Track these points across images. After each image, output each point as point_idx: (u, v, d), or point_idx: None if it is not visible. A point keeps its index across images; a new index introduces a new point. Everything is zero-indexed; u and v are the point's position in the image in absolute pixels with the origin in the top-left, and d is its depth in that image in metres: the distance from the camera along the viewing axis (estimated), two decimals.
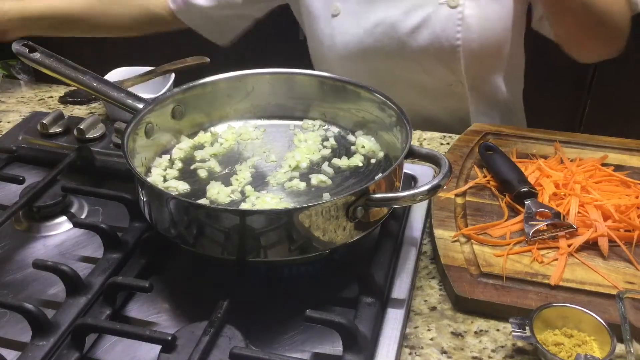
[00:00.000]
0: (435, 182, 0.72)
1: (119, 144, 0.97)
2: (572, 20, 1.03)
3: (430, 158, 0.80)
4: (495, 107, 1.25)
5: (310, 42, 1.28)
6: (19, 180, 0.93)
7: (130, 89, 0.91)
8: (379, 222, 0.79)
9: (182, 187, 0.84)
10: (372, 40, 1.17)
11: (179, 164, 0.89)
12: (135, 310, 0.76)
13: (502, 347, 0.73)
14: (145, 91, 1.06)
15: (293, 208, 0.73)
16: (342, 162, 0.89)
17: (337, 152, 0.92)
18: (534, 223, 0.85)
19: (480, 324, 0.76)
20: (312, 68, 0.96)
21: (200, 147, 0.93)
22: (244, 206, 0.80)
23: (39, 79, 1.70)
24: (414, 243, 0.85)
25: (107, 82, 0.90)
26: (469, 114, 1.23)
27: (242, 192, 0.83)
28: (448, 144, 1.11)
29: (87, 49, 2.35)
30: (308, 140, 0.93)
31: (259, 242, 0.71)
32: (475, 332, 0.75)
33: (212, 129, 0.96)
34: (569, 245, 0.82)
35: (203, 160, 0.90)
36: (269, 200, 0.81)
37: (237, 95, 0.96)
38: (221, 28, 1.32)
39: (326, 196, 0.82)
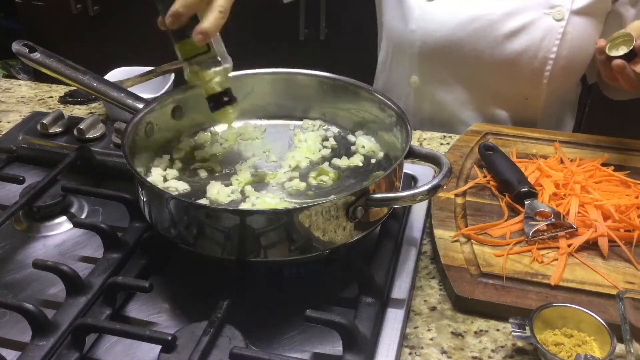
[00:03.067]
0: (435, 182, 0.72)
1: (119, 144, 0.97)
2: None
3: (430, 158, 0.80)
4: (557, 124, 1.25)
5: (391, 22, 1.24)
6: (19, 180, 0.93)
7: (130, 89, 0.91)
8: (379, 222, 0.79)
9: (182, 187, 0.84)
10: (464, 34, 1.14)
11: (179, 164, 0.89)
12: (135, 310, 0.76)
13: (502, 347, 0.73)
14: (145, 91, 1.06)
15: (293, 208, 0.73)
16: (342, 162, 0.89)
17: (337, 152, 0.92)
18: (534, 223, 0.85)
19: (480, 324, 0.76)
20: (311, 68, 0.95)
21: (200, 147, 0.93)
22: (244, 206, 0.80)
23: (39, 79, 1.69)
24: (414, 243, 0.85)
25: (107, 82, 0.90)
26: (535, 125, 1.21)
27: (242, 192, 0.83)
28: (448, 144, 1.11)
29: (87, 49, 2.35)
30: (308, 140, 0.93)
31: (259, 242, 0.71)
32: (475, 332, 0.75)
33: (212, 129, 0.96)
34: (569, 245, 0.82)
35: (203, 160, 0.90)
36: (269, 200, 0.81)
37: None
38: None
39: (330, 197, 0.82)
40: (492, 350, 0.73)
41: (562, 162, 0.99)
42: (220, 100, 0.85)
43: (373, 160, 0.90)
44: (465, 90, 1.20)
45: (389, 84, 1.29)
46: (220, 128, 0.96)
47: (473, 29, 1.14)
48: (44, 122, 1.06)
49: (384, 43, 1.29)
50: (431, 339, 0.74)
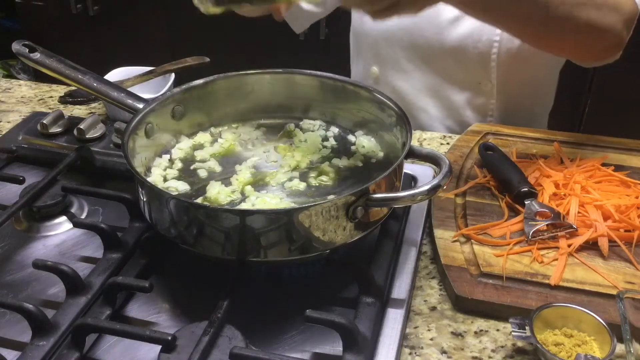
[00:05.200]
0: (435, 182, 0.72)
1: (119, 144, 0.97)
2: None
3: (430, 158, 0.80)
4: (519, 116, 1.25)
5: (354, 16, 1.28)
6: (19, 180, 0.93)
7: (130, 89, 0.91)
8: (379, 222, 0.79)
9: (182, 187, 0.84)
10: (410, 22, 1.17)
11: (179, 164, 0.89)
12: (135, 310, 0.76)
13: (502, 347, 0.73)
14: (145, 91, 1.06)
15: (293, 208, 0.73)
16: (342, 162, 0.89)
17: (337, 152, 0.92)
18: (534, 223, 0.85)
19: (480, 324, 0.76)
20: (311, 68, 0.96)
21: (200, 147, 0.93)
22: (244, 206, 0.80)
23: (39, 79, 1.69)
24: (414, 243, 0.85)
25: (107, 82, 0.90)
26: (493, 116, 1.23)
27: (242, 192, 0.83)
28: (448, 144, 1.11)
29: (87, 49, 2.36)
30: (308, 140, 0.94)
31: (259, 242, 0.71)
32: (475, 332, 0.75)
33: (212, 129, 0.96)
34: (569, 245, 0.82)
35: (203, 160, 0.90)
36: (269, 200, 0.81)
37: (237, 95, 0.96)
38: (306, 21, 1.35)
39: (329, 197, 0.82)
40: (492, 350, 0.73)
41: (562, 162, 0.99)
42: None
43: (373, 160, 0.90)
44: (420, 77, 1.22)
45: (357, 78, 1.31)
46: (220, 128, 0.96)
47: (419, 16, 1.15)
48: (44, 122, 1.06)
49: (351, 38, 1.33)
50: (431, 339, 0.74)
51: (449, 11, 1.14)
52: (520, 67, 1.18)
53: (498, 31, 1.12)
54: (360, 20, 1.24)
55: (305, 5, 1.29)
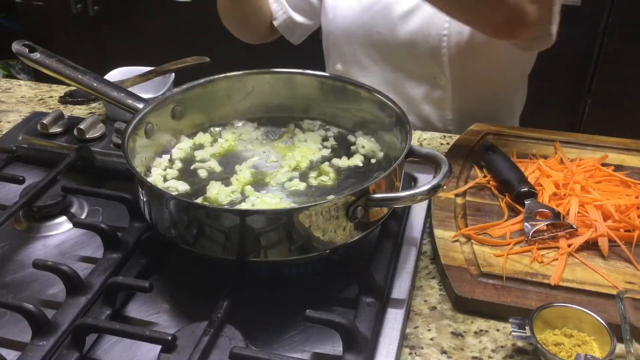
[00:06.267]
0: (435, 182, 0.72)
1: (119, 144, 0.97)
2: None
3: (430, 158, 0.80)
4: (482, 113, 1.24)
5: (322, 13, 1.31)
6: (19, 180, 0.93)
7: (130, 89, 0.91)
8: (379, 222, 0.79)
9: (182, 187, 0.84)
10: (367, 18, 1.19)
11: (179, 164, 0.89)
12: (135, 310, 0.76)
13: (502, 347, 0.73)
14: (145, 91, 1.06)
15: (293, 208, 0.73)
16: (342, 162, 0.89)
17: (337, 152, 0.92)
18: (534, 223, 0.85)
19: (480, 324, 0.76)
20: (311, 68, 0.96)
21: (200, 147, 0.93)
22: (244, 206, 0.80)
23: (39, 79, 1.69)
24: (414, 243, 0.85)
25: (107, 82, 0.90)
26: (452, 110, 1.23)
27: (242, 192, 0.83)
28: (448, 144, 1.11)
29: (87, 49, 2.36)
30: (308, 140, 0.94)
31: (259, 242, 0.71)
32: (475, 332, 0.75)
33: (212, 129, 0.96)
34: (569, 245, 0.82)
35: (203, 160, 0.90)
36: (269, 200, 0.81)
37: (237, 95, 0.96)
38: (303, 34, 1.39)
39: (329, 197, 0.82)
40: (492, 350, 0.73)
41: (562, 162, 0.99)
42: None
43: (373, 160, 0.90)
44: (379, 73, 1.24)
45: None
46: (220, 128, 0.97)
47: (374, 13, 1.19)
48: (44, 122, 1.06)
49: (322, 40, 1.35)
50: (431, 339, 0.74)
51: (400, 6, 1.16)
52: (473, 62, 1.18)
53: (446, 25, 1.13)
54: (326, 21, 1.26)
55: (299, 19, 1.31)
